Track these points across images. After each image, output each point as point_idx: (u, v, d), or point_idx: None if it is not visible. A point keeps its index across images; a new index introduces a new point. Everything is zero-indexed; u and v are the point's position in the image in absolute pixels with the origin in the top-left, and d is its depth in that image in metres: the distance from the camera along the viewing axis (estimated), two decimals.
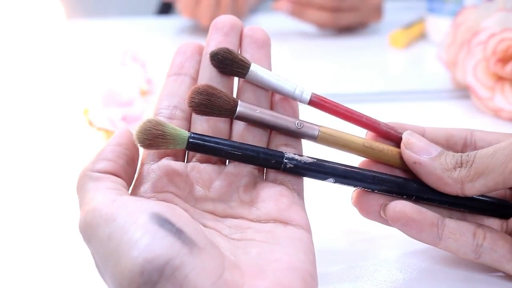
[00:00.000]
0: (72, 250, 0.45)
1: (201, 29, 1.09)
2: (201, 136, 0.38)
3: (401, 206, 0.39)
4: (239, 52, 0.42)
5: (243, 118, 0.40)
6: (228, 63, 0.40)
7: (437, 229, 0.38)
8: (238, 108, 0.39)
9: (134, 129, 0.37)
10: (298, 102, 0.42)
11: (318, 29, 1.10)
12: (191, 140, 0.38)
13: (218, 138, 0.39)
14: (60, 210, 0.50)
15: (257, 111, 0.40)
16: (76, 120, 0.66)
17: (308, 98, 0.41)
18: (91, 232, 0.33)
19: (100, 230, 0.32)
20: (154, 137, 0.37)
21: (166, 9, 1.43)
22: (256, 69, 0.41)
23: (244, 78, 0.41)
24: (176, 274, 0.30)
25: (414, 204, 0.39)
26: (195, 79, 0.42)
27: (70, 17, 1.09)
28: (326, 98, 0.42)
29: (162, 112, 0.40)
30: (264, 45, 0.42)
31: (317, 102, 0.41)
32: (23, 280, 0.41)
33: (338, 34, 1.08)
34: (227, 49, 0.40)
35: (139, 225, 0.31)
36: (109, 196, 0.34)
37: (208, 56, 0.41)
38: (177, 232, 0.31)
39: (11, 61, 0.94)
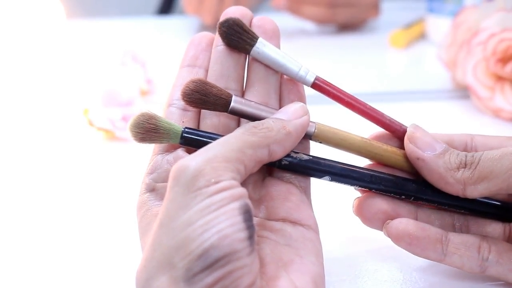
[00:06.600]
0: (72, 250, 0.45)
1: (202, 29, 1.08)
2: (194, 131, 0.38)
3: (404, 225, 0.38)
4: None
5: (237, 112, 0.39)
6: (237, 31, 0.39)
7: (441, 245, 0.38)
8: (232, 104, 0.38)
9: (128, 123, 0.37)
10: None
11: (316, 26, 1.10)
12: (185, 134, 0.37)
13: (212, 133, 0.38)
14: (60, 210, 0.50)
15: (252, 105, 0.39)
16: (76, 120, 0.66)
17: (312, 80, 0.40)
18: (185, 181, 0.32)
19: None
20: (147, 131, 0.37)
21: (166, 9, 1.43)
22: (263, 44, 0.40)
23: (249, 52, 0.40)
24: (227, 267, 0.30)
25: (416, 222, 0.38)
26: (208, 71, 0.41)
27: (70, 17, 1.09)
28: (329, 83, 0.41)
29: (175, 103, 0.40)
30: (274, 35, 0.41)
31: (320, 86, 0.41)
32: (23, 281, 0.41)
33: (338, 33, 1.08)
34: (238, 19, 0.40)
35: (226, 210, 0.31)
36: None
37: (218, 48, 0.41)
38: (252, 229, 0.32)
39: (11, 61, 0.94)
